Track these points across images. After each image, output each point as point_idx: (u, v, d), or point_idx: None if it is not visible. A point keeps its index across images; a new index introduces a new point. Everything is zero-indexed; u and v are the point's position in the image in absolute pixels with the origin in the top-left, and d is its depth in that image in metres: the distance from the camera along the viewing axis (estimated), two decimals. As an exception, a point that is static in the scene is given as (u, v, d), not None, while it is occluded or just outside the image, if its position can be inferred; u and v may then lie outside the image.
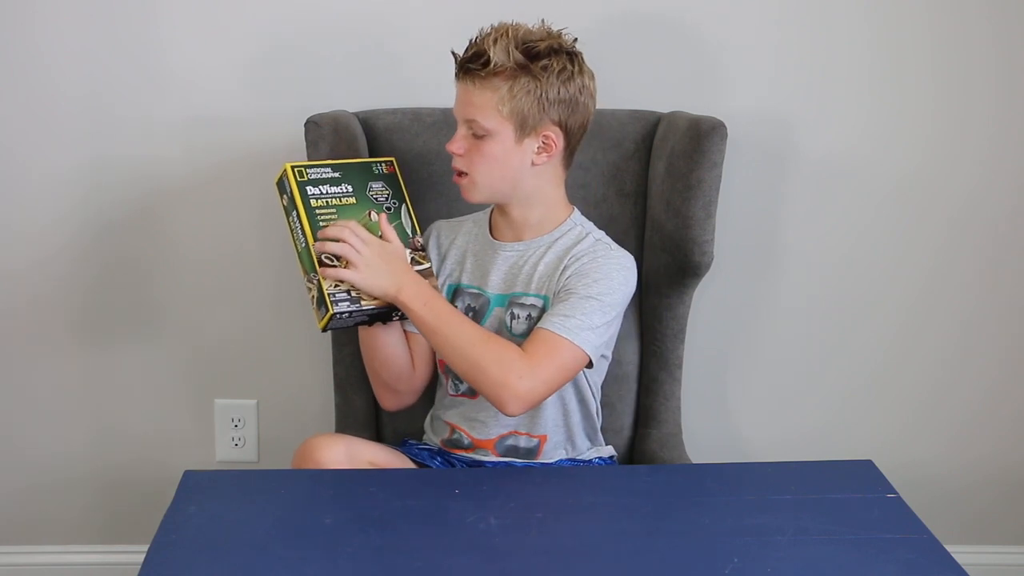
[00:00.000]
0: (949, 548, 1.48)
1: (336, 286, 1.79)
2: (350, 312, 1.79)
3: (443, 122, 2.13)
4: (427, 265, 1.85)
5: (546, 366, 1.78)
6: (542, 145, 1.84)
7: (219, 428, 2.41)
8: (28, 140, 2.27)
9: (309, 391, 2.37)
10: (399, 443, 2.01)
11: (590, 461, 1.96)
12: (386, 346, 1.91)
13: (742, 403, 2.42)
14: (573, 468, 1.93)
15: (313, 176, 1.84)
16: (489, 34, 1.80)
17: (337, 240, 1.80)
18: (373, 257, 1.81)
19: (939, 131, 2.30)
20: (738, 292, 2.35)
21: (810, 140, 2.29)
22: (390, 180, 1.89)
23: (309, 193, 1.83)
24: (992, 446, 2.45)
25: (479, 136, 1.82)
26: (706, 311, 2.27)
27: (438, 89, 2.13)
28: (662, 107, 2.19)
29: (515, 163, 1.84)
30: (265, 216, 2.31)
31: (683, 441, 2.15)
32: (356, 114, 2.15)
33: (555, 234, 1.91)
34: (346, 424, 2.13)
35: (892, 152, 2.31)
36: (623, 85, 2.25)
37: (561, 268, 1.86)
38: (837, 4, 2.25)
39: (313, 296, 1.82)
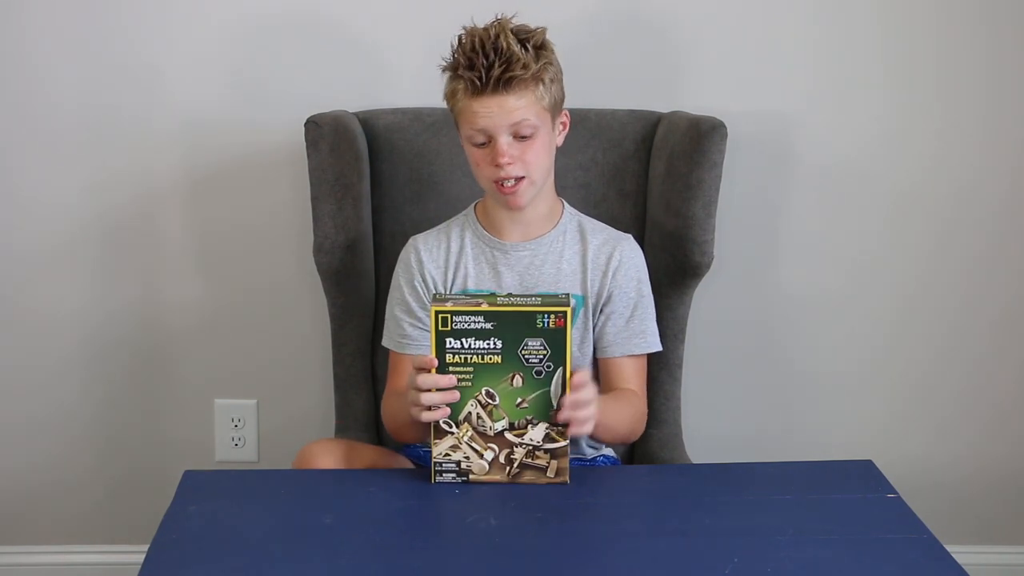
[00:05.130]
0: (949, 548, 1.47)
1: (447, 456, 1.64)
2: (453, 481, 1.66)
3: (443, 122, 2.14)
4: (563, 443, 1.64)
5: (646, 390, 1.95)
6: (561, 124, 1.88)
7: (219, 428, 2.41)
8: (24, 142, 2.28)
9: (309, 391, 2.37)
10: (401, 447, 2.01)
11: (594, 460, 1.97)
12: None
13: (742, 403, 2.41)
14: (573, 468, 1.93)
15: (458, 326, 1.59)
16: (493, 40, 1.76)
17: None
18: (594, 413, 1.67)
19: (938, 133, 2.30)
20: (738, 292, 2.35)
21: (810, 140, 2.29)
22: (553, 337, 1.60)
23: (448, 346, 1.60)
24: (995, 448, 2.44)
25: (526, 136, 1.80)
26: (706, 311, 2.27)
27: (438, 89, 2.13)
28: (662, 107, 2.19)
29: (553, 149, 1.87)
30: (265, 216, 2.31)
31: (683, 441, 2.15)
32: (356, 114, 2.15)
33: (561, 227, 1.92)
34: (346, 424, 2.13)
35: (891, 152, 2.31)
36: (623, 85, 2.25)
37: (604, 273, 1.89)
38: (838, 5, 2.25)
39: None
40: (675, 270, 2.08)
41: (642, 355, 1.93)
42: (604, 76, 2.25)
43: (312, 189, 2.03)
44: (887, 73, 2.28)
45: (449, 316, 1.59)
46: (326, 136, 2.03)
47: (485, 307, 1.60)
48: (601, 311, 1.91)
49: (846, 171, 2.32)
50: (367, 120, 2.15)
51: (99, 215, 2.31)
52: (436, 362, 1.60)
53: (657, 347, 1.93)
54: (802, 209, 2.33)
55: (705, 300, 2.23)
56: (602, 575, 1.43)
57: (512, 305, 1.61)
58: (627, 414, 1.86)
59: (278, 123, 2.23)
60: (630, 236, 1.96)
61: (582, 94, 2.21)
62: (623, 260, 1.91)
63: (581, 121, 2.16)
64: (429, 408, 1.62)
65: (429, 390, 1.61)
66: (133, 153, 2.28)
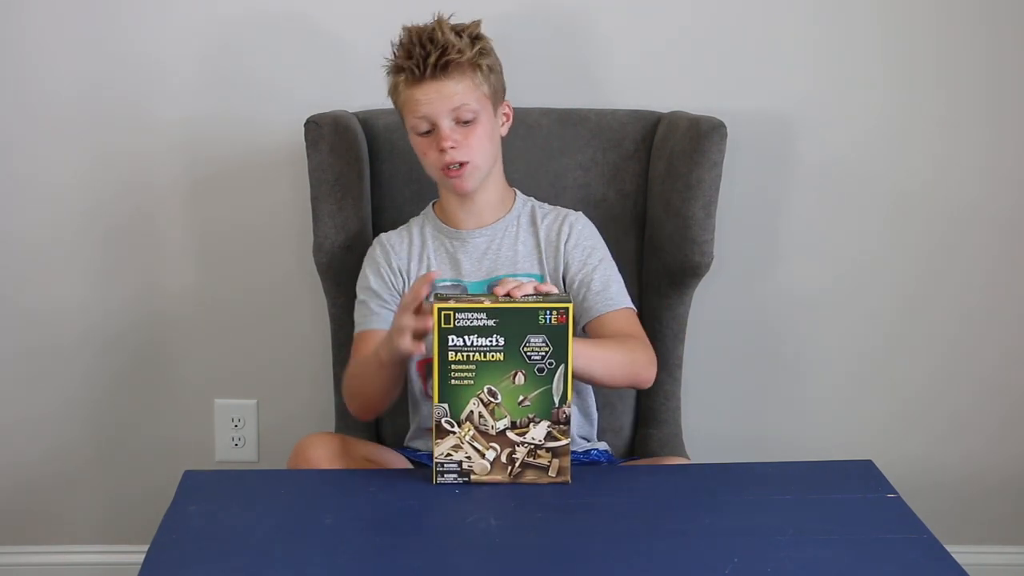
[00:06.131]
0: (949, 548, 1.47)
1: (448, 456, 1.63)
2: (454, 481, 1.65)
3: (443, 122, 2.14)
4: (565, 442, 1.63)
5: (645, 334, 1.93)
6: (504, 116, 1.95)
7: (219, 428, 2.41)
8: (24, 142, 2.28)
9: (309, 391, 2.37)
10: (396, 444, 2.01)
11: (588, 453, 1.96)
12: (401, 383, 1.86)
13: (742, 403, 2.41)
14: (573, 466, 1.93)
15: (461, 323, 1.58)
16: (429, 32, 1.84)
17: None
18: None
19: (938, 133, 2.30)
20: (738, 292, 2.35)
21: (810, 140, 2.29)
22: (555, 334, 1.59)
23: (450, 344, 1.59)
24: (995, 447, 2.44)
25: (467, 122, 1.85)
26: (706, 311, 2.27)
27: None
28: (662, 107, 2.19)
29: (496, 137, 1.92)
30: (264, 215, 2.31)
31: (683, 441, 2.15)
32: (356, 114, 2.15)
33: (515, 212, 1.98)
34: (346, 424, 2.13)
35: (891, 152, 2.31)
36: (623, 85, 2.25)
37: (557, 248, 1.93)
38: (838, 5, 2.25)
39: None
40: (675, 270, 2.08)
41: (631, 310, 1.92)
42: (604, 76, 2.25)
43: (312, 189, 2.03)
44: (887, 73, 2.28)
45: (452, 313, 1.58)
46: (326, 136, 2.03)
47: (488, 304, 1.59)
48: (566, 283, 1.93)
49: (846, 171, 2.32)
50: (367, 120, 2.15)
51: (99, 215, 2.31)
52: (440, 273, 1.66)
53: (629, 304, 1.92)
54: (802, 209, 2.33)
55: (705, 300, 2.23)
56: (602, 575, 1.43)
57: (514, 302, 1.61)
58: (613, 346, 1.84)
59: (278, 123, 2.23)
60: (580, 212, 2.00)
61: (582, 94, 2.22)
62: (572, 232, 1.95)
63: (581, 121, 2.16)
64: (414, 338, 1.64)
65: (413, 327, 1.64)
66: (134, 153, 2.28)
